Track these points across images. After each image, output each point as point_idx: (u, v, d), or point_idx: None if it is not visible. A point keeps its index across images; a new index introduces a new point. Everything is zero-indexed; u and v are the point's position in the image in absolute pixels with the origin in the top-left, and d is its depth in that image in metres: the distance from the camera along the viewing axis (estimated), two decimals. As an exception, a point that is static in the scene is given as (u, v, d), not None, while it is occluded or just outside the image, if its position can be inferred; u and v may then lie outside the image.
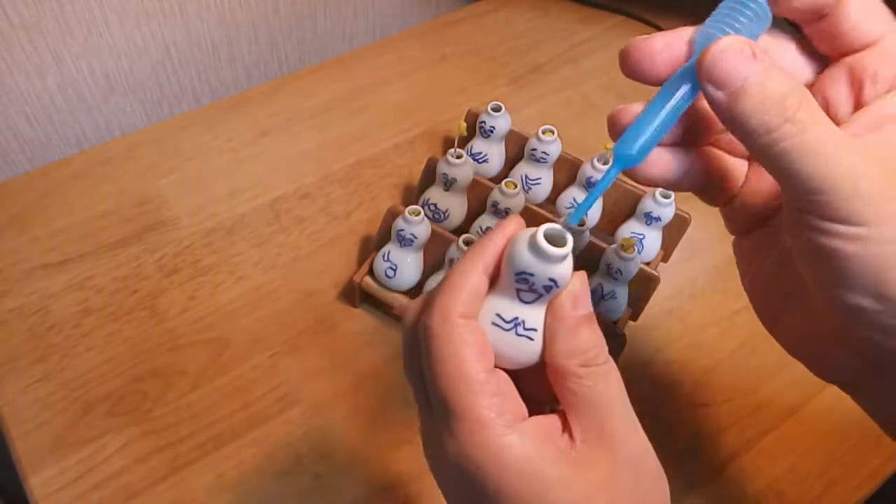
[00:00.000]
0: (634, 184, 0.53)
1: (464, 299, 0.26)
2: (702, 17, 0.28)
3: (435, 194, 0.52)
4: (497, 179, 0.52)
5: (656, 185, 0.28)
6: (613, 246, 0.48)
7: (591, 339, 0.26)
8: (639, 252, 0.49)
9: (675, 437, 0.49)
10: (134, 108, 0.66)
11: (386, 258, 0.49)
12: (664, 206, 0.50)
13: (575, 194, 0.53)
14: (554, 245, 0.24)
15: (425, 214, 0.48)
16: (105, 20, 0.58)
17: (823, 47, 0.28)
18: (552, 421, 0.27)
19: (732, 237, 0.32)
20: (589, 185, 0.52)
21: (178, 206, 0.57)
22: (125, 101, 0.65)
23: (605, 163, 0.51)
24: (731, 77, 0.23)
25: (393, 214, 0.49)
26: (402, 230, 0.47)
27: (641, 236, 0.52)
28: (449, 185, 0.51)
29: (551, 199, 0.55)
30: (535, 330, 0.26)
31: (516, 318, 0.26)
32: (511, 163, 0.56)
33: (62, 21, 0.56)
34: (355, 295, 0.51)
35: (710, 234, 0.59)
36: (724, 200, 0.30)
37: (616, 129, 0.27)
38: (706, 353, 0.53)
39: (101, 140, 0.66)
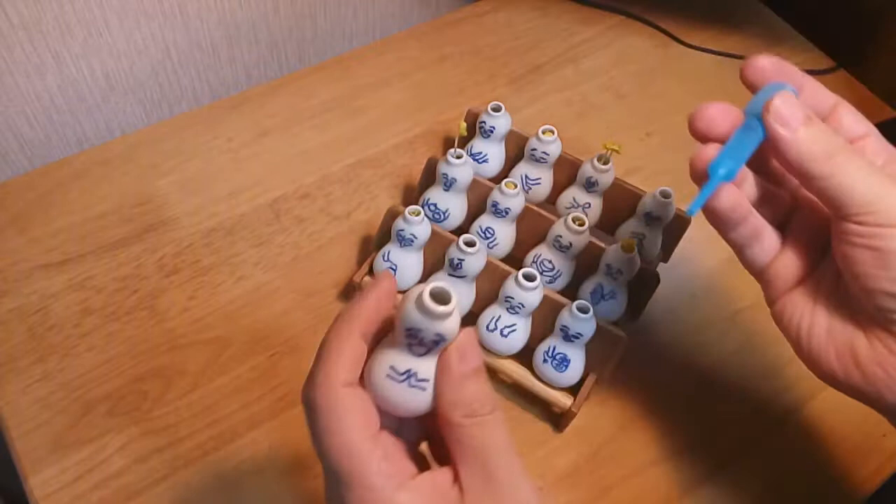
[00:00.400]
0: (634, 184, 0.53)
1: (345, 367, 0.27)
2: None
3: (435, 194, 0.52)
4: (497, 179, 0.52)
5: (730, 217, 0.34)
6: (613, 246, 0.48)
7: (477, 391, 0.28)
8: (639, 252, 0.49)
9: (674, 437, 0.49)
10: (134, 108, 0.66)
11: (386, 258, 0.49)
12: (664, 205, 0.50)
13: (575, 194, 0.53)
14: (439, 303, 0.26)
15: (425, 214, 0.48)
16: (105, 20, 0.58)
17: None
18: (442, 474, 0.28)
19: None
20: (589, 184, 0.52)
21: (178, 206, 0.57)
22: (125, 101, 0.65)
23: (605, 163, 0.51)
24: (795, 117, 0.31)
25: (393, 214, 0.49)
26: (402, 230, 0.47)
27: (641, 236, 0.52)
28: (449, 185, 0.51)
29: (551, 200, 0.55)
30: (427, 381, 0.28)
31: (409, 370, 0.28)
32: (511, 163, 0.56)
33: (62, 21, 0.56)
34: (355, 295, 0.51)
35: (710, 234, 0.59)
36: (762, 264, 0.36)
37: (698, 165, 0.33)
38: (706, 353, 0.53)
39: (101, 140, 0.66)
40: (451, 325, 0.27)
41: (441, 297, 0.27)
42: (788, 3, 0.76)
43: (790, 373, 0.52)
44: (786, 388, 0.52)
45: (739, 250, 0.36)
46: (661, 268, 0.54)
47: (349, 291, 0.52)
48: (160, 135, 0.61)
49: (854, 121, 0.34)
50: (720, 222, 0.35)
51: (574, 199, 0.53)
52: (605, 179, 0.52)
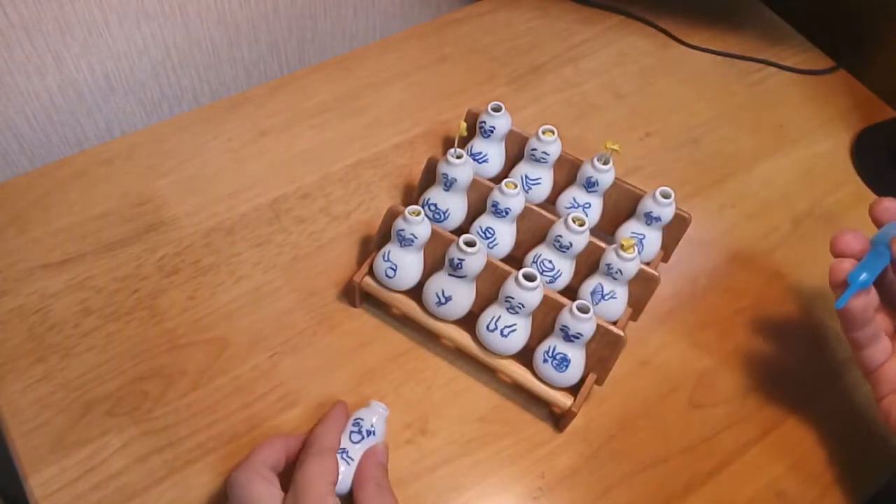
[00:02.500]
0: (634, 184, 0.53)
1: (332, 440, 0.43)
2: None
3: (435, 194, 0.52)
4: (497, 179, 0.52)
5: (859, 317, 0.42)
6: (613, 246, 0.48)
7: (384, 476, 0.42)
8: (639, 252, 0.49)
9: (675, 437, 0.49)
10: (134, 108, 0.66)
11: (386, 258, 0.49)
12: (664, 206, 0.50)
13: (575, 194, 0.53)
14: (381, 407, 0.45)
15: (425, 214, 0.48)
16: (105, 20, 0.58)
17: None
18: None
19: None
20: (589, 184, 0.52)
21: (178, 206, 0.57)
22: (125, 101, 0.65)
23: (605, 163, 0.51)
24: None
25: (393, 214, 0.49)
26: (402, 230, 0.47)
27: (641, 236, 0.52)
28: (449, 185, 0.51)
29: (551, 200, 0.55)
30: (353, 459, 0.43)
31: (345, 449, 0.43)
32: (511, 163, 0.56)
33: (62, 21, 0.56)
34: (355, 295, 0.51)
35: (710, 234, 0.59)
36: (876, 364, 0.43)
37: (838, 274, 0.41)
38: (706, 353, 0.53)
39: (101, 140, 0.66)
40: (382, 424, 0.44)
41: (380, 406, 0.45)
42: (788, 3, 0.76)
43: (790, 373, 0.52)
44: (786, 389, 0.52)
45: (858, 349, 0.43)
46: (661, 268, 0.54)
47: (349, 291, 0.52)
48: (160, 135, 0.61)
49: None
50: (851, 321, 0.42)
51: (574, 199, 0.53)
52: (605, 179, 0.52)
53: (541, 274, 0.48)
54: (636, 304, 0.50)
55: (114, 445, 0.46)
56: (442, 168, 0.51)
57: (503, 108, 0.54)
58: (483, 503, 0.46)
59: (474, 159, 0.55)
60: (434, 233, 0.48)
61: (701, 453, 0.49)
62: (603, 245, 0.49)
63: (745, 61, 0.71)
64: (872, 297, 0.42)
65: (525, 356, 0.48)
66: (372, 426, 0.44)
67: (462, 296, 0.48)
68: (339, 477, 0.42)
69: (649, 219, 0.51)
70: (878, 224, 0.43)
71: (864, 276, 0.41)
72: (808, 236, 0.60)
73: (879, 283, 0.43)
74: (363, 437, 0.44)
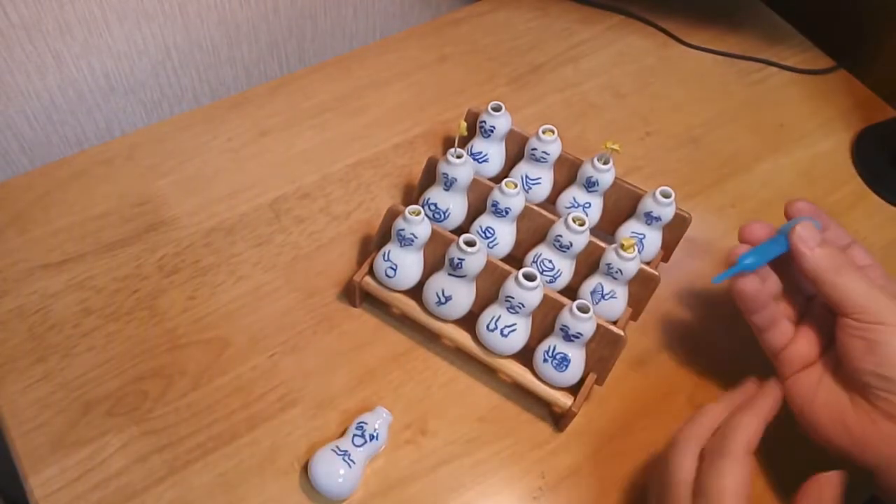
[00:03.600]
0: (634, 184, 0.53)
1: (751, 438, 0.40)
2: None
3: (435, 194, 0.52)
4: (497, 179, 0.52)
5: (752, 300, 0.44)
6: (613, 246, 0.48)
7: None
8: (639, 252, 0.49)
9: (675, 436, 0.49)
10: (134, 108, 0.66)
11: (386, 258, 0.49)
12: (664, 205, 0.50)
13: (575, 194, 0.53)
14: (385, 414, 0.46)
15: (425, 214, 0.48)
16: (105, 20, 0.58)
17: None
18: None
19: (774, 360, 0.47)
20: (589, 184, 0.52)
21: (178, 206, 0.57)
22: (125, 101, 0.65)
23: (605, 162, 0.51)
24: (813, 238, 0.42)
25: (393, 214, 0.49)
26: (402, 230, 0.47)
27: (641, 236, 0.52)
28: (449, 185, 0.51)
29: (551, 199, 0.55)
30: (355, 463, 0.43)
31: (346, 451, 0.44)
32: (511, 163, 0.56)
33: (62, 21, 0.56)
34: (355, 295, 0.51)
35: (710, 234, 0.59)
36: (778, 347, 0.46)
37: (732, 258, 0.44)
38: (706, 353, 0.53)
39: (101, 140, 0.66)
40: (384, 426, 0.45)
41: (384, 411, 0.46)
42: (788, 3, 0.76)
43: (790, 373, 0.52)
44: (786, 388, 0.52)
45: (759, 332, 0.46)
46: (661, 268, 0.54)
47: (349, 291, 0.52)
48: (160, 135, 0.61)
49: (863, 255, 0.46)
50: (745, 304, 0.44)
51: (574, 199, 0.53)
52: (605, 179, 0.52)
53: (541, 274, 0.48)
54: (636, 304, 0.50)
55: (114, 445, 0.46)
56: (442, 168, 0.51)
57: (503, 107, 0.54)
58: (483, 503, 0.46)
59: (474, 159, 0.55)
60: (434, 233, 0.48)
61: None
62: (603, 245, 0.49)
63: (745, 61, 0.71)
64: (770, 283, 0.45)
65: (525, 356, 0.48)
66: (375, 430, 0.45)
67: (462, 295, 0.48)
68: (341, 479, 0.43)
69: (649, 218, 0.51)
70: (789, 218, 0.46)
71: (749, 259, 0.43)
72: (808, 236, 0.60)
73: (784, 273, 0.45)
74: (366, 441, 0.44)
